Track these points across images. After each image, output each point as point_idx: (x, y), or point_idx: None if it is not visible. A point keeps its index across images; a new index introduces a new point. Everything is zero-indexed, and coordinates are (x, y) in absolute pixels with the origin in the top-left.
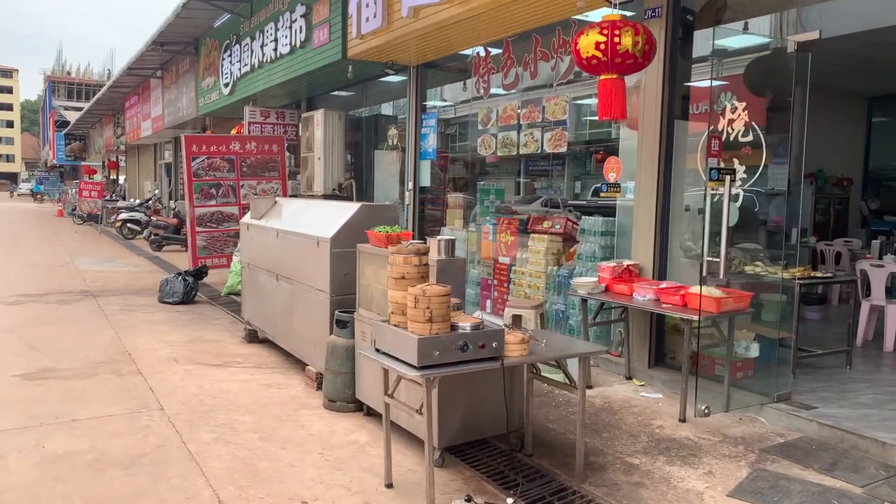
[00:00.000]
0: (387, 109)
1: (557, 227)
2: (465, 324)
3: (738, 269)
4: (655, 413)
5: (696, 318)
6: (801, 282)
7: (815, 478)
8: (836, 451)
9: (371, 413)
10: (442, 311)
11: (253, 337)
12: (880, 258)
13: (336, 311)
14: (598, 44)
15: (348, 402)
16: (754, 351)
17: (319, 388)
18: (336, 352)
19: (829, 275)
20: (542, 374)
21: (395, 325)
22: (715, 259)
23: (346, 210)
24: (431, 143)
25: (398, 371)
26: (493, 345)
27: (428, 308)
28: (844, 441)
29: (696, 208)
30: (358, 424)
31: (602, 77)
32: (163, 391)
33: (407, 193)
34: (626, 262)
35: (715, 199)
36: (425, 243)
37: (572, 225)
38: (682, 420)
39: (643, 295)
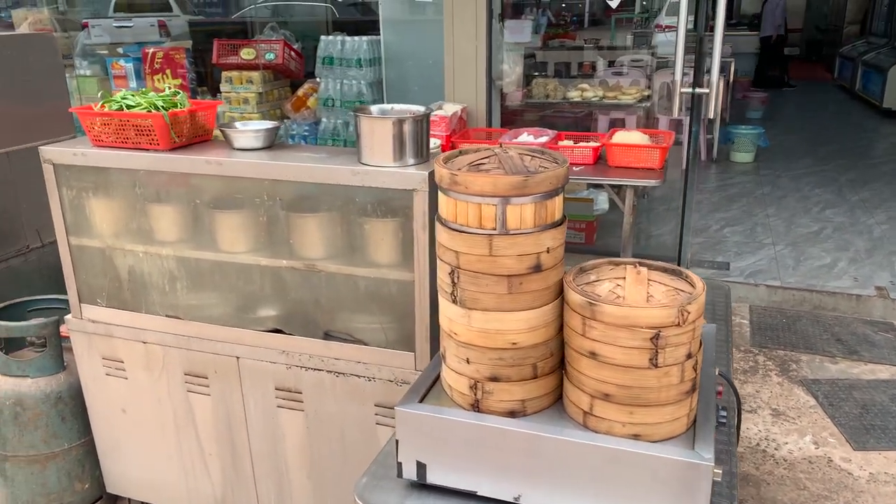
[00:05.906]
0: None
1: (271, 56)
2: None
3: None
4: None
5: (650, 182)
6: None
7: (861, 369)
8: (812, 321)
9: None
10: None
11: None
12: None
13: None
14: None
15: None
16: (603, 203)
17: None
18: (28, 413)
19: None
20: None
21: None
22: (701, 90)
23: None
24: None
25: None
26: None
27: (680, 366)
28: (805, 302)
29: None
30: None
31: None
32: None
33: None
34: (455, 107)
35: None
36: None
37: (292, 53)
38: None
39: None
